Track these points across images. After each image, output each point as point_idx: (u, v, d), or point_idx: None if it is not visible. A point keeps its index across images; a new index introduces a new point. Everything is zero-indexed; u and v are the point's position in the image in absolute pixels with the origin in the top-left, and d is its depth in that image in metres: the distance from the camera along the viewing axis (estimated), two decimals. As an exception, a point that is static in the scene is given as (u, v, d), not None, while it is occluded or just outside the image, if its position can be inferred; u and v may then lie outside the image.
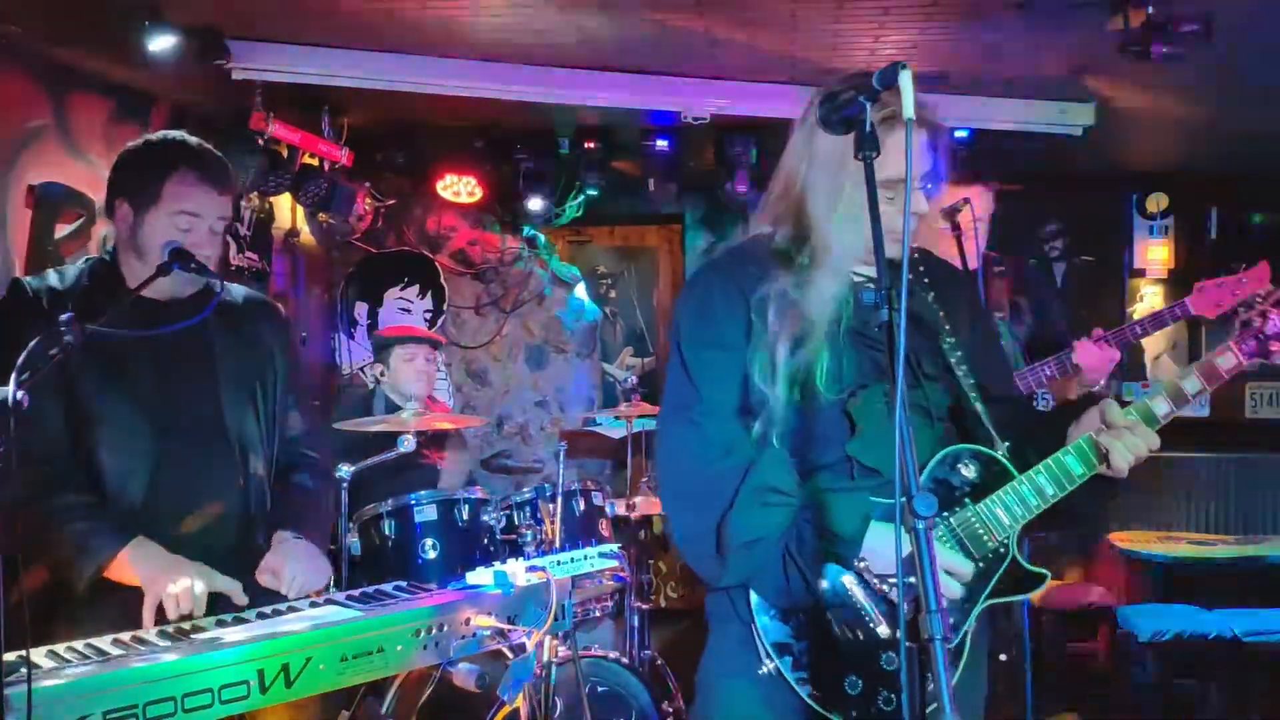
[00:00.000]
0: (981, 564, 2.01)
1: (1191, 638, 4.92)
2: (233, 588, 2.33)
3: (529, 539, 3.70)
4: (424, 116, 5.71)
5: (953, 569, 1.96)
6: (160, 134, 2.58)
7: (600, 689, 3.72)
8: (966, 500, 2.03)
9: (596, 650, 3.93)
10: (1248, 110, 5.15)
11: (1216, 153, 6.00)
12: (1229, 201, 6.84)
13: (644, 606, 4.56)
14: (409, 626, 2.10)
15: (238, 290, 2.75)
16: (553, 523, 3.69)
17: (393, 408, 4.32)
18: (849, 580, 1.97)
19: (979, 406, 2.08)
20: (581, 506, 3.97)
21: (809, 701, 1.94)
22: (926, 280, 2.18)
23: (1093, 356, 3.54)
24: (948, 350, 2.11)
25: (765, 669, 1.98)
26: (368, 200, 6.03)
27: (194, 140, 2.57)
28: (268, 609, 2.27)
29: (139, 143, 2.57)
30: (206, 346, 2.57)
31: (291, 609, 2.27)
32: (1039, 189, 6.37)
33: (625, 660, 3.90)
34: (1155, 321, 3.67)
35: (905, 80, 1.54)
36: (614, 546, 2.69)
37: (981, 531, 2.01)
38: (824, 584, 1.96)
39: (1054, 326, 3.89)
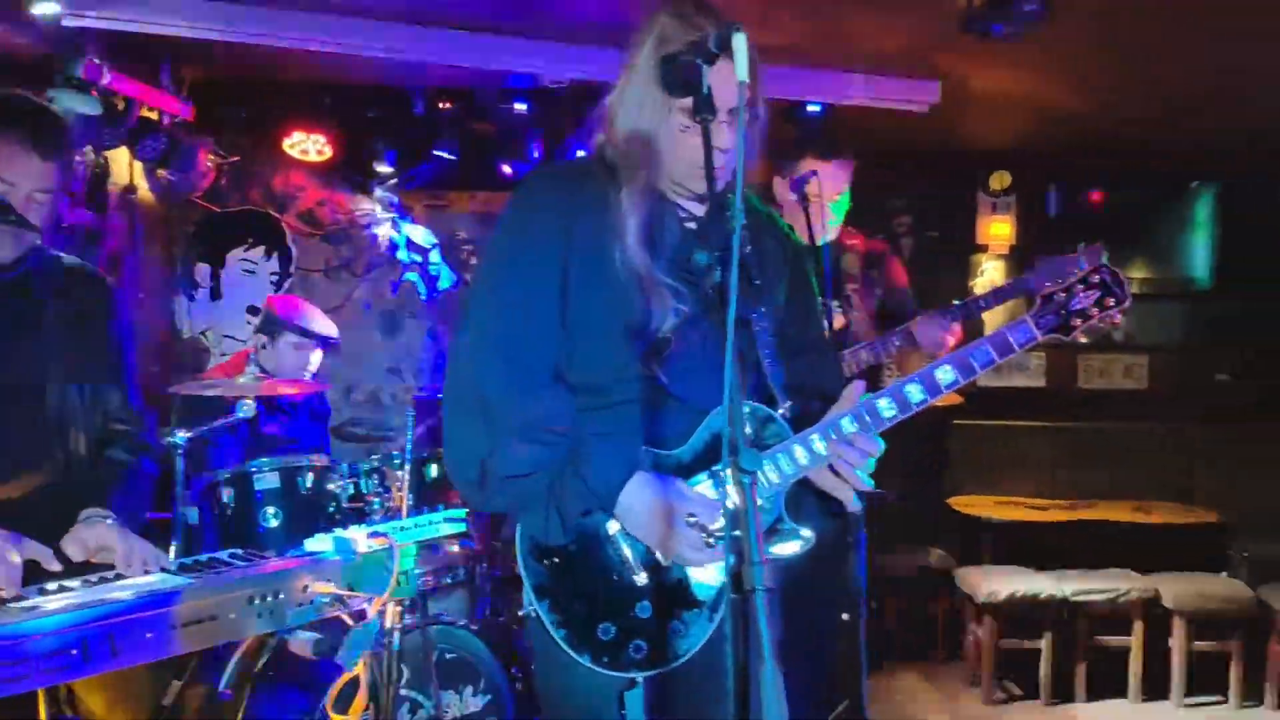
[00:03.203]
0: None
1: (1024, 598, 5.15)
2: (43, 553, 2.23)
3: (376, 506, 3.65)
4: (271, 71, 5.53)
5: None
6: None
7: (449, 655, 3.70)
8: None
9: (445, 617, 3.90)
10: (1086, 91, 5.35)
11: (1056, 132, 6.22)
12: (1068, 180, 7.13)
13: (496, 573, 4.53)
14: (243, 594, 2.05)
15: (67, 259, 2.62)
16: (400, 490, 3.63)
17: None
18: (612, 526, 1.98)
19: (768, 363, 2.06)
20: (433, 473, 3.92)
21: (562, 645, 1.95)
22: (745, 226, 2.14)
23: (930, 332, 3.67)
24: (753, 299, 2.06)
25: (525, 611, 2.01)
26: (210, 156, 5.81)
27: (25, 100, 2.42)
28: (94, 576, 2.20)
29: None
30: (28, 313, 2.45)
31: (119, 576, 2.21)
32: (887, 165, 6.52)
33: (474, 627, 3.88)
34: (997, 296, 3.82)
35: (739, 43, 1.54)
36: (462, 512, 2.67)
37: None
38: (587, 528, 1.96)
39: (902, 301, 4.00)
